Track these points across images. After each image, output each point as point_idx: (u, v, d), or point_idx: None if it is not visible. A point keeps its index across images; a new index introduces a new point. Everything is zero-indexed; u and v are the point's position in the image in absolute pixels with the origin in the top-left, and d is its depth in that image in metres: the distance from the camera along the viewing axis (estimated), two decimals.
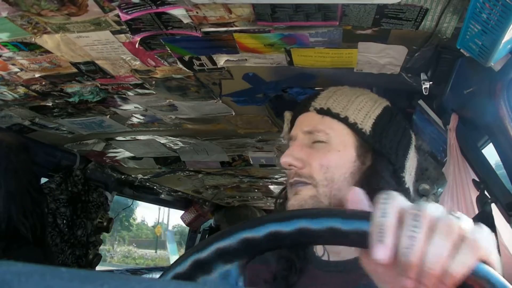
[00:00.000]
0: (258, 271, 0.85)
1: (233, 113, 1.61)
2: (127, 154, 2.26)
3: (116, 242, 23.56)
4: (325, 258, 0.84)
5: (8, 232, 1.23)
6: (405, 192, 0.82)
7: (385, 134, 0.83)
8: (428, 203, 0.40)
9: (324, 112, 0.84)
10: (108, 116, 1.69)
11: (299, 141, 0.85)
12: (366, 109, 0.85)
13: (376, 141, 0.82)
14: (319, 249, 0.86)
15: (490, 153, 1.05)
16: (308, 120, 0.85)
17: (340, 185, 0.79)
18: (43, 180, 2.12)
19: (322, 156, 0.81)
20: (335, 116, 0.83)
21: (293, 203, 0.81)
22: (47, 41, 1.07)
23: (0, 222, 1.22)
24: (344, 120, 0.82)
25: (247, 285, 0.44)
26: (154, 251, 22.39)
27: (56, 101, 1.51)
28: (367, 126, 0.83)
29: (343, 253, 0.82)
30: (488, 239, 0.39)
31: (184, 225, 4.05)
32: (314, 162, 0.80)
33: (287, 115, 0.96)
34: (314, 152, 0.82)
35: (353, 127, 0.82)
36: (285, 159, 0.82)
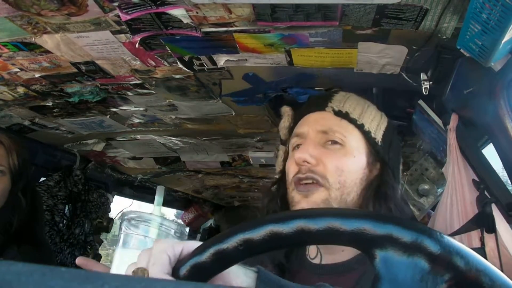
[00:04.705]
0: None
1: (233, 113, 1.61)
2: (127, 154, 2.26)
3: None
4: (316, 261, 0.84)
5: (10, 233, 1.23)
6: (404, 202, 0.86)
7: (391, 148, 0.86)
8: None
9: (342, 115, 0.84)
10: (108, 116, 1.69)
11: (312, 139, 0.83)
12: (377, 120, 0.87)
13: (385, 152, 0.85)
14: (312, 252, 0.86)
15: (490, 153, 1.05)
16: (324, 119, 0.85)
17: (349, 190, 0.80)
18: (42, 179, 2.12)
19: (338, 158, 0.80)
20: (353, 121, 0.84)
21: (304, 206, 0.79)
22: (47, 41, 1.07)
23: (4, 222, 1.22)
24: (361, 127, 0.84)
25: None
26: None
27: (56, 101, 1.51)
28: (379, 136, 0.85)
29: (336, 256, 0.82)
30: None
31: None
32: (329, 163, 0.80)
33: (287, 109, 0.95)
34: (330, 153, 0.81)
35: (368, 135, 0.84)
36: (300, 155, 0.80)
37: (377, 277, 0.37)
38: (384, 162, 0.84)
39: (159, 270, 0.44)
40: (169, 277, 0.43)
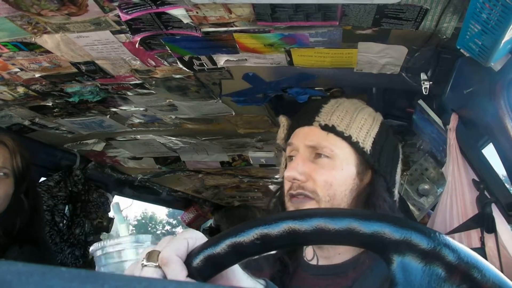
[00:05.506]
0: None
1: (233, 113, 1.61)
2: (127, 154, 2.26)
3: None
4: (313, 262, 0.87)
5: (13, 234, 1.23)
6: (394, 205, 0.88)
7: (382, 153, 0.88)
8: None
9: (329, 129, 0.86)
10: (108, 116, 1.69)
11: (301, 154, 0.86)
12: (367, 127, 0.88)
13: (375, 160, 0.86)
14: (308, 253, 0.88)
15: (490, 153, 1.05)
16: (312, 134, 0.87)
17: (339, 201, 0.83)
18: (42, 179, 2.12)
19: (327, 173, 0.83)
20: (339, 134, 0.86)
21: None
22: (47, 41, 1.07)
23: (7, 224, 1.22)
24: (348, 139, 0.85)
25: None
26: None
27: (56, 101, 1.51)
28: (367, 145, 0.86)
29: (333, 258, 0.84)
30: None
31: None
32: (318, 178, 0.83)
33: (283, 119, 0.97)
34: (318, 168, 0.84)
35: (356, 145, 0.85)
36: (290, 173, 0.84)
37: (393, 283, 0.37)
38: (375, 170, 0.86)
39: (171, 251, 0.44)
40: (179, 259, 0.43)
